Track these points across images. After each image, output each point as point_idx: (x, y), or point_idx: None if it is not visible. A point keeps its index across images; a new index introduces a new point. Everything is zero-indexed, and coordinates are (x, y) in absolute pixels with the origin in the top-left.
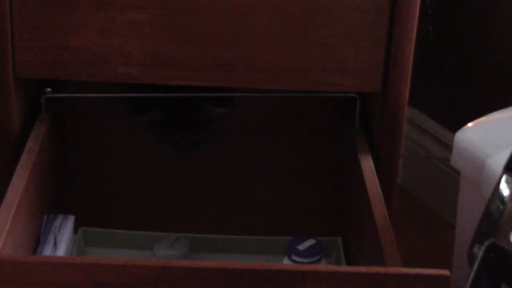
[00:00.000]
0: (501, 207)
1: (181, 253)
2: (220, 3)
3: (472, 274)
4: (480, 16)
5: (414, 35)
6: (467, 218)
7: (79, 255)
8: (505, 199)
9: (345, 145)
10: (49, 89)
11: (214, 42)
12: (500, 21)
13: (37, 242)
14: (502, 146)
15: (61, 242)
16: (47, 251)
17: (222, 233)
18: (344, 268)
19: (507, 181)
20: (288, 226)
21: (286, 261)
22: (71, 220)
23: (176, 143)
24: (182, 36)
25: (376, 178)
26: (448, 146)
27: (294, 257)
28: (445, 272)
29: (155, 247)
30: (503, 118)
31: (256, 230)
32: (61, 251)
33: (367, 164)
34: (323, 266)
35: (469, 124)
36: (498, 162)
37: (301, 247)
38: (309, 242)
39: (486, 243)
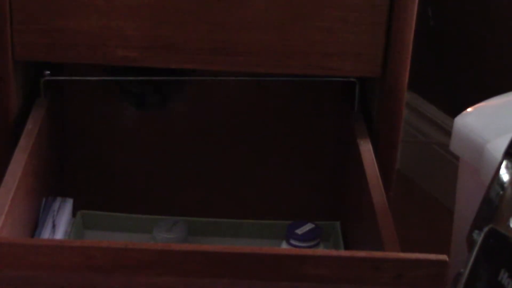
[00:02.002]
0: (501, 193)
1: (179, 236)
2: None
3: (471, 259)
4: (480, 1)
5: (414, 20)
6: (466, 204)
7: (77, 238)
8: (505, 185)
9: (344, 130)
10: (48, 72)
11: (214, 25)
12: (500, 6)
13: (35, 225)
14: (501, 131)
15: (60, 225)
16: (46, 234)
17: (220, 217)
18: (343, 252)
19: (507, 167)
20: (287, 210)
21: (284, 245)
22: (69, 203)
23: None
24: (181, 19)
25: (375, 163)
26: (447, 131)
27: (292, 241)
28: (444, 257)
29: (154, 231)
30: (503, 103)
31: (255, 214)
32: (59, 234)
33: (366, 149)
34: (321, 251)
35: (469, 109)
36: (497, 147)
37: (299, 231)
38: (308, 227)
39: (486, 228)
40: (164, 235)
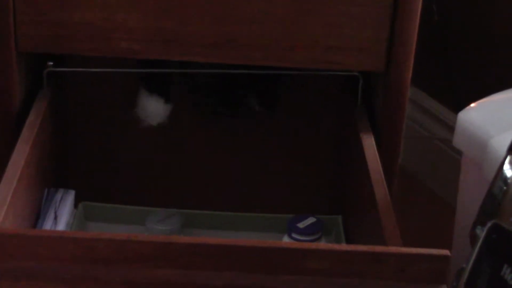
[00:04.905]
0: (504, 188)
1: (173, 228)
2: None
3: (474, 254)
4: None
5: (418, 15)
6: (468, 199)
7: (79, 230)
8: (509, 180)
9: (347, 124)
10: (51, 63)
11: (217, 18)
12: (504, 1)
13: (37, 216)
14: (505, 127)
15: (62, 216)
16: (48, 225)
17: (221, 210)
18: (344, 246)
19: (510, 162)
20: (289, 204)
21: (286, 239)
22: (71, 195)
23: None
24: (185, 12)
25: (378, 158)
26: (450, 127)
27: (294, 235)
28: (445, 252)
29: (146, 222)
30: (507, 99)
31: (256, 208)
32: (61, 226)
33: (369, 144)
34: (323, 244)
35: (472, 105)
36: (500, 143)
37: (301, 225)
38: (310, 220)
39: (489, 224)
40: (155, 226)
